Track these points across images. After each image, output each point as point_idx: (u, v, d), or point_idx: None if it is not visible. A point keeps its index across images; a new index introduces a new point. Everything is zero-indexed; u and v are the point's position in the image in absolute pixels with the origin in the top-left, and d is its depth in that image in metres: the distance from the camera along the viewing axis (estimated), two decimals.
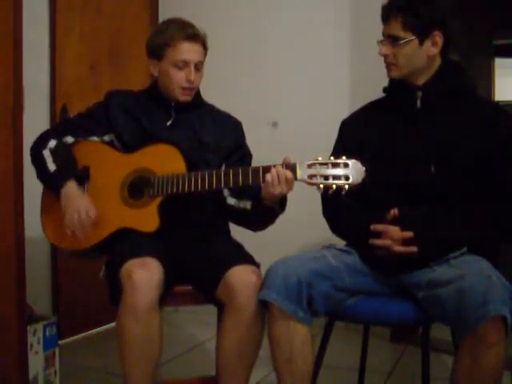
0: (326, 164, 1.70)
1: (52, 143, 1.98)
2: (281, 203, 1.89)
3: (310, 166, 1.72)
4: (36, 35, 2.77)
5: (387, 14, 1.80)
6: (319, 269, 1.71)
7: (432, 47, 1.79)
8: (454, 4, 2.74)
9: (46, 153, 1.95)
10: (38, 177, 2.00)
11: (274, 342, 1.70)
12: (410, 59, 1.79)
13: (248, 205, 1.95)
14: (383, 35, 1.83)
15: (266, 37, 3.32)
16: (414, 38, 1.76)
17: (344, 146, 1.91)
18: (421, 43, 1.77)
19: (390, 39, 1.79)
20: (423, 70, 1.82)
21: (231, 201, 1.99)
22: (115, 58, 3.20)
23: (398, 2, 1.78)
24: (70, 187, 1.91)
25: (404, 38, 1.77)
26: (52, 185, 1.94)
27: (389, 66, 1.83)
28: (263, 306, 1.71)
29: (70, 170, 1.95)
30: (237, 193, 1.99)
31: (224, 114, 2.15)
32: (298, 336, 1.68)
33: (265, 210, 1.88)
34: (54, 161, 1.94)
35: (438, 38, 1.78)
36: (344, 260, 1.79)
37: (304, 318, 1.67)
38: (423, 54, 1.79)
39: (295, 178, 1.74)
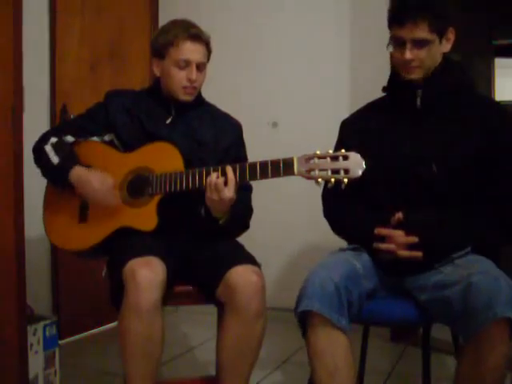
0: (324, 157, 1.66)
1: (53, 139, 1.99)
2: (232, 218, 1.86)
3: (307, 160, 1.67)
4: (36, 35, 2.77)
5: (409, 17, 1.70)
6: (349, 273, 1.66)
7: (447, 44, 1.79)
8: (454, 3, 2.73)
9: (48, 148, 1.96)
10: (42, 173, 2.00)
11: (316, 354, 1.62)
12: (433, 59, 1.78)
13: (202, 209, 1.90)
14: (399, 39, 1.74)
15: (266, 37, 3.33)
16: (437, 38, 1.74)
17: (344, 147, 1.90)
18: (440, 41, 1.76)
19: (415, 43, 1.72)
20: None
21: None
22: (115, 58, 3.19)
23: (419, 4, 1.71)
24: (78, 170, 1.91)
25: (431, 40, 1.73)
26: (58, 176, 1.94)
27: (412, 68, 1.77)
28: (301, 318, 1.63)
29: (74, 159, 1.95)
30: None
31: (224, 114, 2.14)
32: (340, 346, 1.60)
33: (210, 219, 1.85)
34: (57, 154, 1.95)
35: (452, 34, 1.78)
36: (361, 261, 1.75)
37: (346, 326, 1.60)
38: (440, 52, 1.79)
39: (293, 173, 1.69)
